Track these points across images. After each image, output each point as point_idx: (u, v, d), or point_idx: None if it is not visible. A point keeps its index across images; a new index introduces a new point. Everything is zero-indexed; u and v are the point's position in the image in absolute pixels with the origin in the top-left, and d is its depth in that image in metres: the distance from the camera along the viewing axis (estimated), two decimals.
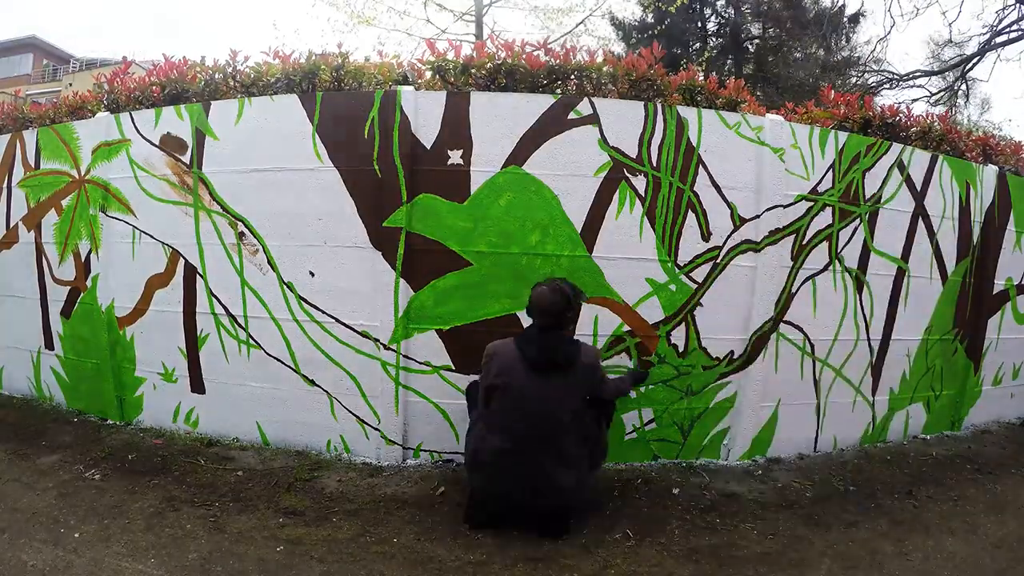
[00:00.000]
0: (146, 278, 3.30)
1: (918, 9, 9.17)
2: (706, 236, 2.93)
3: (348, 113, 2.88)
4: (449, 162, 2.82)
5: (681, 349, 2.95)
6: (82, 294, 3.54)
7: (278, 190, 2.98)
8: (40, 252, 3.74)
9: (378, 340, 2.88)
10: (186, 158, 3.15)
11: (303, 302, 2.98)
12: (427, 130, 2.82)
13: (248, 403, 3.13)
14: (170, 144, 3.20)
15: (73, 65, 24.42)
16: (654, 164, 2.86)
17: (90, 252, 3.44)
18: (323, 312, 2.96)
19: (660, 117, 2.85)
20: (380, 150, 2.84)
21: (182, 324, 3.22)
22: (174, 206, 3.19)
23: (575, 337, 2.39)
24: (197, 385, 3.24)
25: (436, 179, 2.83)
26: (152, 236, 3.26)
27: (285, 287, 3.00)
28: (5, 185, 3.90)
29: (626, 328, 2.89)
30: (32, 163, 3.75)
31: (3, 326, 3.96)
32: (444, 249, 2.83)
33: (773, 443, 3.14)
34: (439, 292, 2.85)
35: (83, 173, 3.48)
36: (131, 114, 3.29)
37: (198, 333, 3.19)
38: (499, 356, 2.27)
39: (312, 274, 2.97)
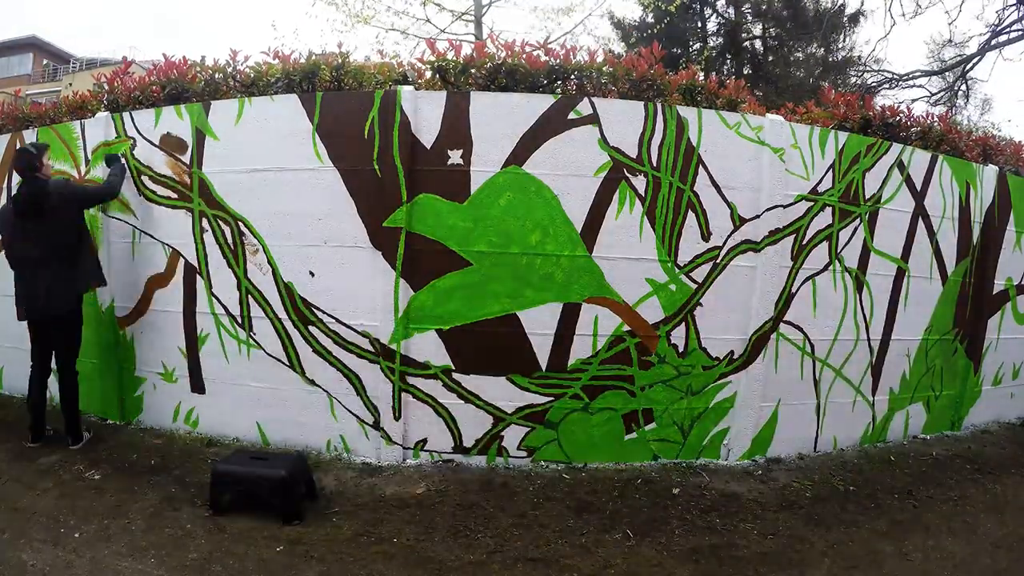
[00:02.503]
0: (146, 278, 3.30)
1: (918, 7, 9.17)
2: (706, 236, 2.93)
3: (348, 113, 2.88)
4: (449, 162, 2.82)
5: (681, 349, 2.95)
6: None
7: (278, 190, 2.98)
8: None
9: (378, 340, 2.88)
10: (186, 158, 3.15)
11: (303, 302, 2.98)
12: (427, 130, 2.82)
13: (248, 403, 3.13)
14: (170, 144, 3.20)
15: (73, 65, 24.35)
16: (654, 164, 2.86)
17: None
18: (323, 312, 2.96)
19: (660, 117, 2.85)
20: (380, 150, 2.84)
21: (182, 324, 3.22)
22: (174, 206, 3.19)
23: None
24: (197, 385, 3.24)
25: (436, 179, 2.83)
26: (152, 236, 3.26)
27: (285, 287, 3.00)
28: (5, 185, 3.89)
29: (626, 328, 2.89)
30: None
31: (3, 326, 3.96)
32: (444, 249, 2.83)
33: (773, 443, 3.14)
34: (439, 292, 2.85)
35: (83, 173, 3.47)
36: (131, 114, 3.29)
37: (198, 333, 3.19)
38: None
39: (312, 274, 2.97)
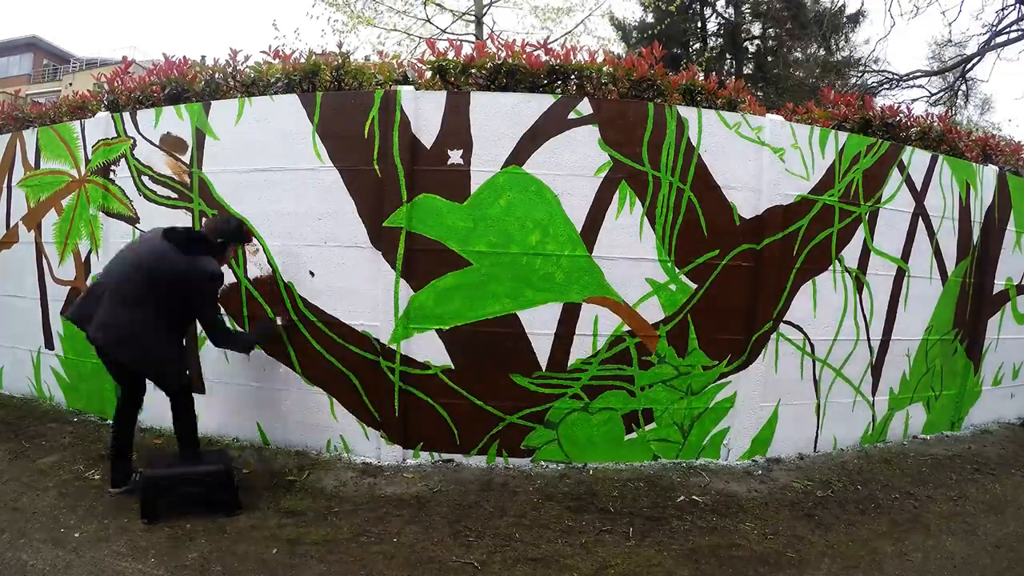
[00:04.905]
0: None
1: (918, 8, 9.17)
2: (706, 236, 2.93)
3: (348, 113, 2.88)
4: (449, 162, 2.82)
5: (681, 349, 2.95)
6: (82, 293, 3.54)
7: (278, 190, 2.98)
8: (40, 252, 3.74)
9: (378, 340, 2.88)
10: (186, 158, 3.15)
11: (303, 302, 2.98)
12: (427, 130, 2.82)
13: (248, 403, 3.13)
14: (170, 144, 3.20)
15: (73, 65, 24.22)
16: (654, 164, 2.86)
17: (90, 252, 3.44)
18: (323, 312, 2.96)
19: (660, 117, 2.85)
20: (380, 150, 2.84)
21: None
22: (174, 206, 3.19)
23: None
24: (197, 385, 3.23)
25: (436, 179, 2.83)
26: None
27: (285, 287, 3.00)
28: (5, 185, 3.90)
29: (626, 328, 2.89)
30: (32, 163, 3.75)
31: (3, 326, 3.96)
32: (444, 249, 2.83)
33: (773, 443, 3.14)
34: (439, 292, 2.85)
35: (83, 173, 3.48)
36: (131, 114, 3.29)
37: (198, 333, 3.19)
38: None
39: (312, 274, 2.97)
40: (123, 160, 3.32)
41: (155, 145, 3.22)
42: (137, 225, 3.28)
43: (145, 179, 3.25)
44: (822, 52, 12.61)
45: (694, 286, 2.93)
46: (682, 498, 2.60)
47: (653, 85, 2.98)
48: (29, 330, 3.82)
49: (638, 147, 2.84)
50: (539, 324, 2.85)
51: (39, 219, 3.74)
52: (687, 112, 2.89)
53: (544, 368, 2.87)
